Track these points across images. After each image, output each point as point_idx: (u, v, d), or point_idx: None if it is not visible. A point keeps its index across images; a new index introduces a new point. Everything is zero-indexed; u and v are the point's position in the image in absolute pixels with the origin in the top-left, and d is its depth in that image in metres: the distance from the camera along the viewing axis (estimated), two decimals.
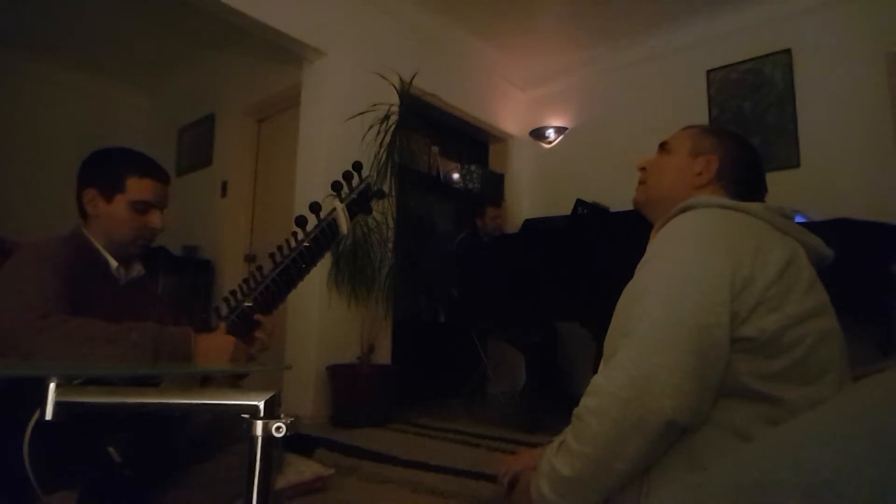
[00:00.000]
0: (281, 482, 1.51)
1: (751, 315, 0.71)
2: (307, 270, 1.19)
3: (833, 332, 0.77)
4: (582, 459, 0.69)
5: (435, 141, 3.85)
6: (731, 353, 0.70)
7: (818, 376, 0.73)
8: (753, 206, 0.83)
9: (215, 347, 1.10)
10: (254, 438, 0.50)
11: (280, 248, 1.17)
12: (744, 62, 3.38)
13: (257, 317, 1.17)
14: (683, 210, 0.85)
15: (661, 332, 0.69)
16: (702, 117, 3.45)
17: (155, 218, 1.27)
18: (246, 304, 1.15)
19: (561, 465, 0.72)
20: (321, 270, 2.75)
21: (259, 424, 0.50)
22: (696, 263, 0.74)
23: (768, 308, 0.71)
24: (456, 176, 4.06)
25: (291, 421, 0.51)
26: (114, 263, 1.25)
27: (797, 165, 3.13)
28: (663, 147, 1.03)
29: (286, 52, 3.02)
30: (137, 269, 1.32)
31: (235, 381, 1.35)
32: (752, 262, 0.73)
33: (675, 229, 0.83)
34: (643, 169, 1.04)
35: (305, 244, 1.15)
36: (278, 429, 0.50)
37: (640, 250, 0.88)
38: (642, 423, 0.66)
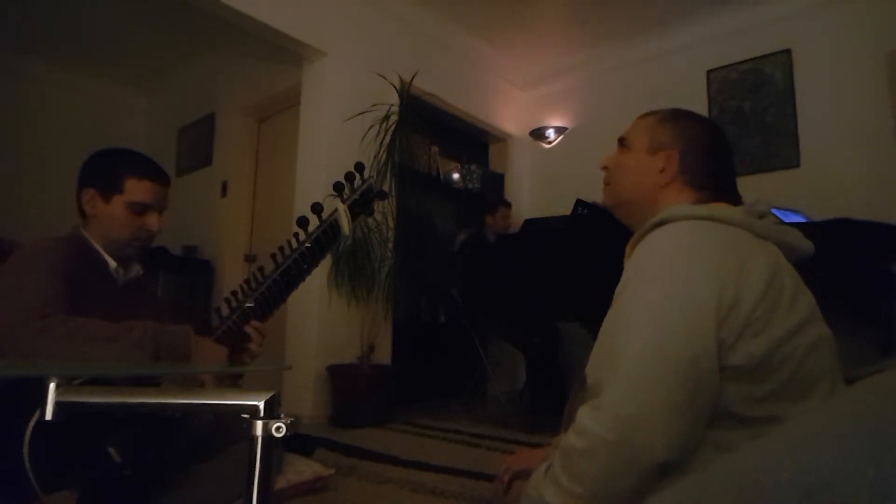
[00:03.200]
0: (281, 482, 1.51)
1: (737, 341, 0.68)
2: (308, 271, 1.19)
3: (821, 339, 0.73)
4: (574, 496, 0.68)
5: (435, 141, 3.85)
6: (721, 380, 0.68)
7: (811, 388, 0.71)
8: (731, 213, 0.79)
9: (209, 358, 1.10)
10: (254, 438, 0.50)
11: (281, 248, 1.17)
12: (744, 62, 3.38)
13: (248, 329, 1.16)
14: (658, 224, 0.81)
15: (646, 369, 0.66)
16: None
17: (152, 220, 1.26)
18: (247, 304, 1.15)
19: (550, 496, 0.69)
20: (321, 271, 2.75)
21: (259, 424, 0.50)
22: (678, 290, 0.70)
23: (754, 331, 0.68)
24: (456, 176, 4.06)
25: (291, 421, 0.51)
26: (112, 263, 1.25)
27: (797, 165, 3.13)
28: (622, 143, 0.97)
29: (286, 52, 3.02)
30: (136, 270, 1.32)
31: (234, 382, 1.35)
32: (737, 283, 0.69)
33: (651, 249, 0.78)
34: (606, 168, 0.99)
35: (307, 245, 1.15)
36: (278, 429, 0.50)
37: None
38: (633, 463, 0.64)
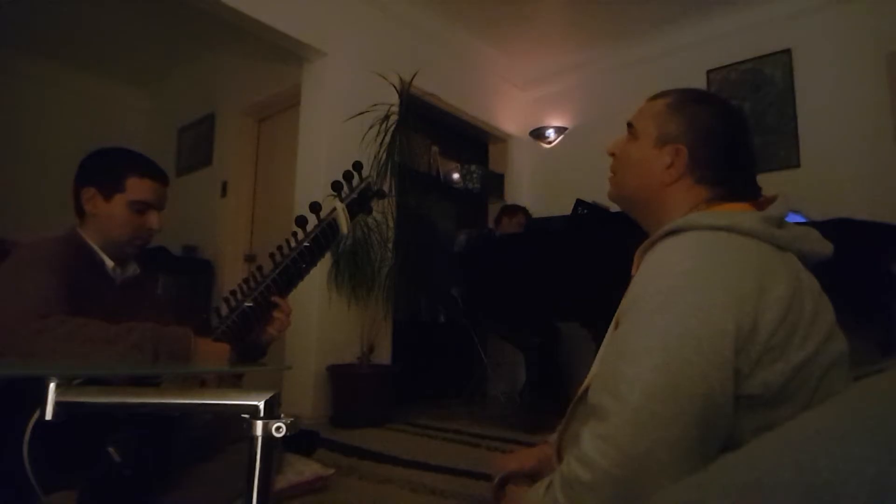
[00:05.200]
0: (281, 482, 1.51)
1: (754, 369, 0.64)
2: (307, 270, 1.20)
3: (838, 358, 0.69)
4: None
5: (435, 141, 3.85)
6: (734, 410, 0.64)
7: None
8: (752, 223, 0.72)
9: (211, 356, 1.10)
10: (254, 438, 0.50)
11: (280, 248, 1.17)
12: (744, 62, 3.38)
13: (274, 299, 1.18)
14: (671, 232, 0.75)
15: (658, 404, 0.62)
16: None
17: (152, 219, 1.27)
18: (246, 304, 1.15)
19: None
20: (321, 270, 2.75)
21: (259, 424, 0.50)
22: (692, 316, 0.65)
23: (772, 358, 0.65)
24: (456, 176, 4.06)
25: (291, 421, 0.51)
26: (110, 263, 1.25)
27: (797, 165, 3.13)
28: (630, 129, 0.91)
29: (286, 52, 3.02)
30: (133, 269, 1.32)
31: (235, 382, 1.35)
32: (755, 307, 0.65)
33: (662, 265, 0.72)
34: (613, 155, 0.94)
35: (305, 244, 1.16)
36: (278, 429, 0.50)
37: None
38: (640, 499, 0.61)
